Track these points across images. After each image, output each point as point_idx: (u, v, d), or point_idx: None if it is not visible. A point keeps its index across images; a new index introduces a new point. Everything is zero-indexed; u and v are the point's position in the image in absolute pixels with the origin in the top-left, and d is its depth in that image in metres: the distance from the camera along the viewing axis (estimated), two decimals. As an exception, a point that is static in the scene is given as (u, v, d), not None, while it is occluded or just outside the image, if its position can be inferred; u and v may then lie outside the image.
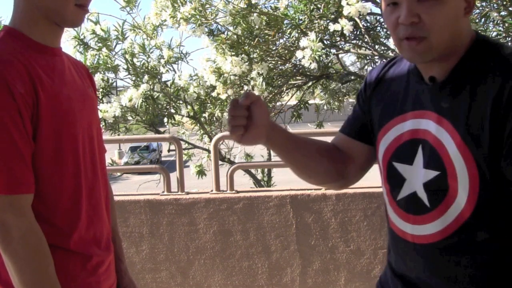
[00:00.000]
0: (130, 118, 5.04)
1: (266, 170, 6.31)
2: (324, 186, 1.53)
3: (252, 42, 4.35)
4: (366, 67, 5.89)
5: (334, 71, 5.05)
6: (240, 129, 1.25)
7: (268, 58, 4.59)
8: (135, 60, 4.86)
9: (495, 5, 3.85)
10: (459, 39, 1.17)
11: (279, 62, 4.86)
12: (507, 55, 1.15)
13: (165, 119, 5.31)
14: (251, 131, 1.26)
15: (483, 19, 3.98)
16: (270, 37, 4.37)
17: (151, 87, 4.71)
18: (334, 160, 1.42)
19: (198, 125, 5.28)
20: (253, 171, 6.11)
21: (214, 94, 4.68)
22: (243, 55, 4.38)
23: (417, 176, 1.22)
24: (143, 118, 5.06)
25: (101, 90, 4.79)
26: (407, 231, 1.26)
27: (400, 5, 1.15)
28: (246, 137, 1.27)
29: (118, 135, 5.09)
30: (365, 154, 1.41)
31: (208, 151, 5.05)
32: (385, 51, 4.71)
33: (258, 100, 1.26)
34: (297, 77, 5.08)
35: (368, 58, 5.12)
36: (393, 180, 1.28)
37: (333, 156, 1.42)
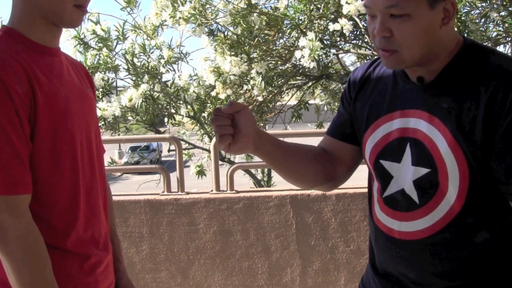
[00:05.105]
0: (130, 118, 5.04)
1: (266, 170, 6.31)
2: (314, 188, 1.52)
3: (252, 42, 4.35)
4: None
5: (334, 71, 5.04)
6: (229, 138, 1.24)
7: (268, 58, 4.58)
8: (135, 60, 4.85)
9: (495, 5, 3.85)
10: (439, 47, 1.19)
11: (279, 62, 4.85)
12: (499, 60, 1.18)
13: (165, 119, 5.31)
14: (238, 140, 1.25)
15: (483, 19, 3.98)
16: (270, 37, 4.36)
17: (151, 87, 4.71)
18: (323, 163, 1.42)
19: (198, 125, 5.28)
20: (253, 171, 6.11)
21: (213, 94, 4.68)
22: (243, 55, 4.37)
23: (405, 173, 1.23)
24: (143, 118, 5.06)
25: (101, 90, 4.79)
26: (394, 228, 1.27)
27: (377, 18, 1.18)
28: (233, 147, 1.26)
29: (118, 135, 5.09)
30: (352, 155, 1.42)
31: (208, 151, 5.05)
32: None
33: (244, 109, 1.25)
34: (297, 77, 5.08)
35: (368, 58, 5.11)
36: (380, 177, 1.30)
37: (321, 159, 1.43)
